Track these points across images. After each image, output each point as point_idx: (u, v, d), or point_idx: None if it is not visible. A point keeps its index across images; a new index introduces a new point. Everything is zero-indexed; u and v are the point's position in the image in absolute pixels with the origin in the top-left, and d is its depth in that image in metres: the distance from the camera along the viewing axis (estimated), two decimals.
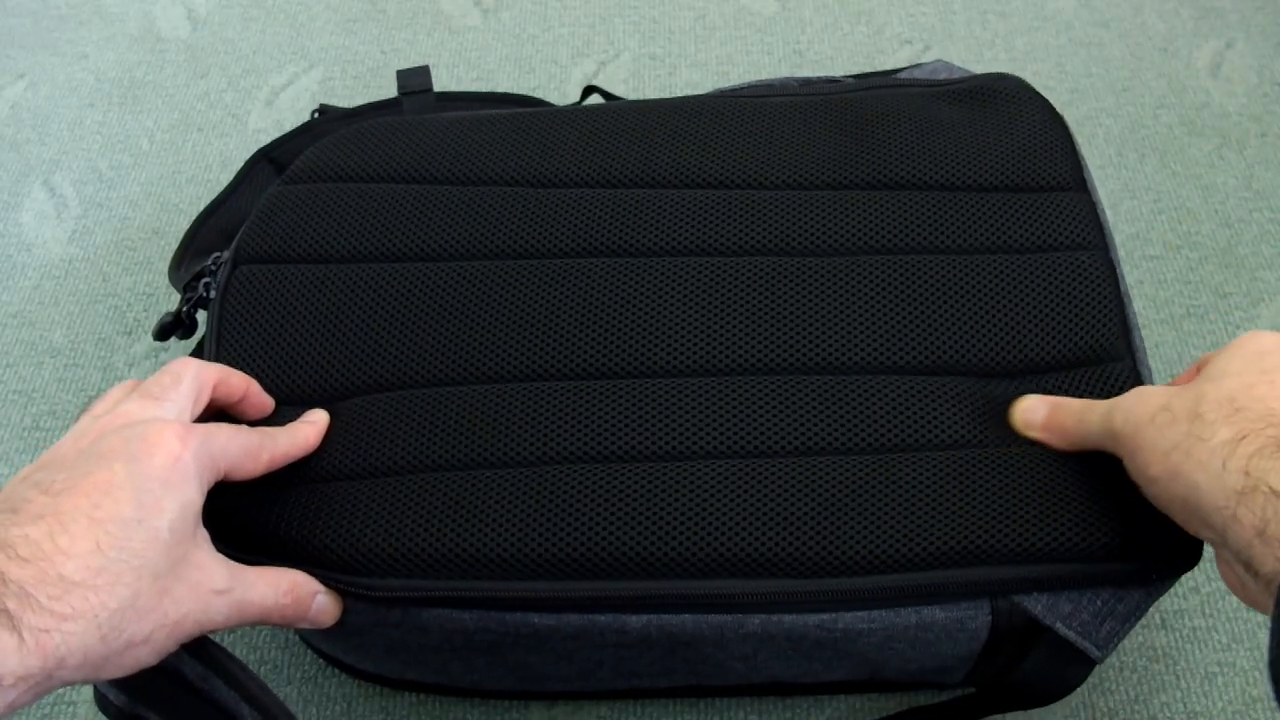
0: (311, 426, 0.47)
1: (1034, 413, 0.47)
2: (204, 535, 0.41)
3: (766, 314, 0.50)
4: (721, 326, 0.50)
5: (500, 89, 0.81)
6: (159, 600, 0.37)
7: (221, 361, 0.49)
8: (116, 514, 0.37)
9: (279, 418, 0.48)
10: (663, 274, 0.51)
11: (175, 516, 0.38)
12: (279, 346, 0.50)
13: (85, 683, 0.37)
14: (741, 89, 0.62)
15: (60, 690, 0.57)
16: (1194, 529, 0.40)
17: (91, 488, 0.37)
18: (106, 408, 0.42)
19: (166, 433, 0.39)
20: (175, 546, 0.38)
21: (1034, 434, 0.47)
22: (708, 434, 0.47)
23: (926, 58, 0.82)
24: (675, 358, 0.49)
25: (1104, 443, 0.44)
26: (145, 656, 0.38)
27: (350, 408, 0.48)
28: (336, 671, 0.57)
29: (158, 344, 0.67)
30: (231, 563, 0.41)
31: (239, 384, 0.47)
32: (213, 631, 0.41)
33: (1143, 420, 0.41)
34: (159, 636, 0.38)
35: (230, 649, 0.43)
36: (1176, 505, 0.40)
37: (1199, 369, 0.44)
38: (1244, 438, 0.37)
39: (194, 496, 0.40)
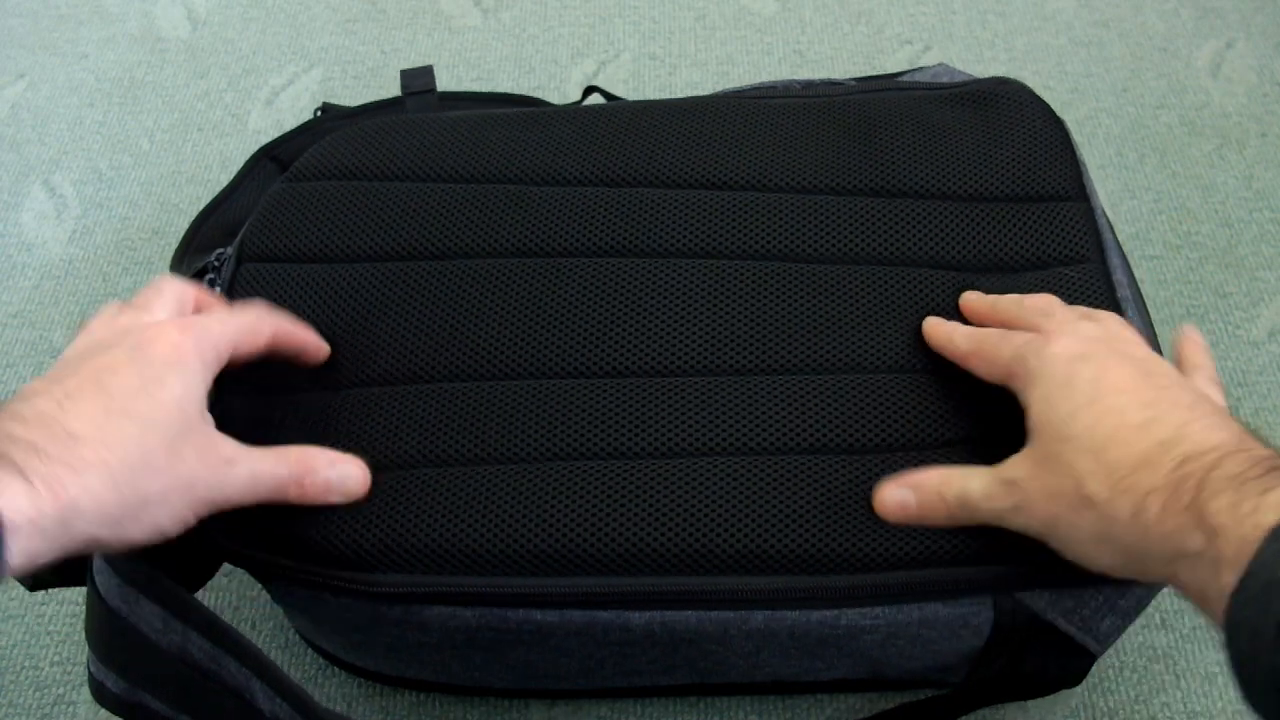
0: (315, 335, 0.49)
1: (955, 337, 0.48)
2: (210, 419, 0.42)
3: (770, 317, 0.50)
4: (725, 329, 0.50)
5: (500, 89, 0.81)
6: (170, 461, 0.38)
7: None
8: (122, 384, 0.38)
9: (278, 408, 0.48)
10: (667, 276, 0.51)
11: (180, 393, 0.40)
12: None
13: (107, 545, 0.38)
14: (744, 90, 0.62)
15: (60, 690, 0.57)
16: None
17: (96, 368, 0.39)
18: (102, 324, 0.43)
19: (166, 325, 0.41)
20: (180, 416, 0.39)
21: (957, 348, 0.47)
22: (714, 431, 0.46)
23: (926, 58, 0.82)
24: (680, 358, 0.49)
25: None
26: (164, 520, 0.39)
27: (351, 400, 0.48)
28: (336, 671, 0.57)
29: None
30: (238, 442, 0.42)
31: (213, 302, 0.48)
32: (230, 506, 0.41)
33: (1048, 517, 0.41)
34: (174, 500, 0.39)
35: None
36: (1119, 569, 0.40)
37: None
38: (1149, 494, 0.37)
39: (197, 378, 0.41)
